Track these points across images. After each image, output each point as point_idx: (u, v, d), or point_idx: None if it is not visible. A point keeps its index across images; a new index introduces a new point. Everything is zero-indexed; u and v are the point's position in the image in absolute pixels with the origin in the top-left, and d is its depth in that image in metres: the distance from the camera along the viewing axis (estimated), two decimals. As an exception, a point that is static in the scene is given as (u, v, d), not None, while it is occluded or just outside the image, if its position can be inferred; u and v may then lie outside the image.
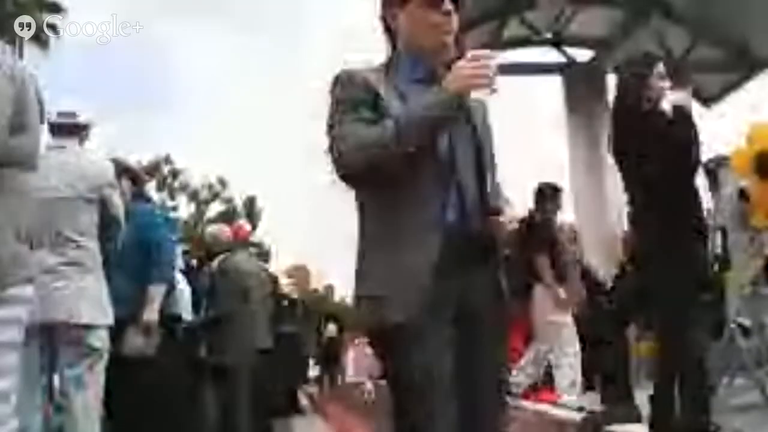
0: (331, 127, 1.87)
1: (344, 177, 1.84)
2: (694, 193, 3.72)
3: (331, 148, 1.85)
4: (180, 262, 5.75)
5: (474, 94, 1.79)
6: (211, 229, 6.59)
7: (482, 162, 1.95)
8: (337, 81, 1.92)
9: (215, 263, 5.87)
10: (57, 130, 3.53)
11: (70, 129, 3.54)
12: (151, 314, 3.98)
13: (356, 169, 1.81)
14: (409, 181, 1.82)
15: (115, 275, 3.66)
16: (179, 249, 5.89)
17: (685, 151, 3.59)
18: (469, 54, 1.77)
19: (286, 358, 7.35)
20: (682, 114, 3.62)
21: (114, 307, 3.48)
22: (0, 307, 2.29)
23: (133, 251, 3.96)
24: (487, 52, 1.78)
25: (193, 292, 5.66)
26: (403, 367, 1.83)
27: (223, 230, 6.38)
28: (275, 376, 6.19)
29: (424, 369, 1.81)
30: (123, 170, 4.23)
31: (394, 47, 2.01)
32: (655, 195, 3.63)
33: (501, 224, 1.94)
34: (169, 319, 4.29)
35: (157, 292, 4.04)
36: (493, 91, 1.76)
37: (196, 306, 5.68)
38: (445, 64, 1.90)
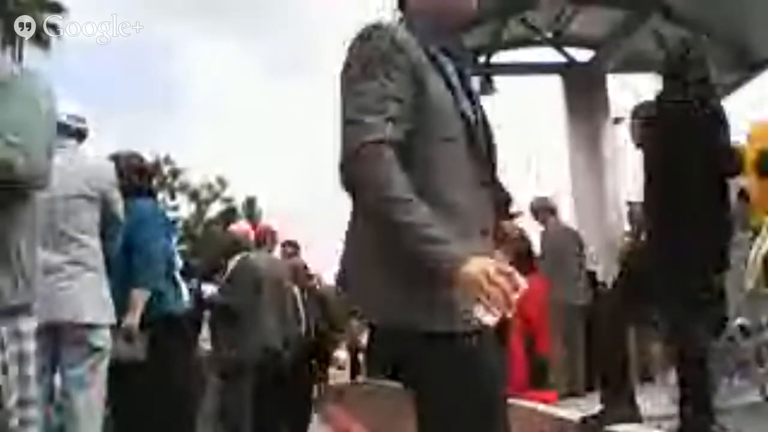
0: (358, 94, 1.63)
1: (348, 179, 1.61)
2: (724, 195, 3.72)
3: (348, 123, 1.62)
4: (179, 262, 5.75)
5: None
6: (232, 228, 6.54)
7: (495, 160, 1.84)
8: (376, 39, 1.67)
9: (233, 262, 5.88)
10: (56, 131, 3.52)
11: (69, 131, 3.54)
12: (132, 319, 3.93)
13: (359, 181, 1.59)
14: (452, 172, 1.68)
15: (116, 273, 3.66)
16: (175, 248, 5.89)
17: (723, 154, 3.60)
18: (505, 270, 1.50)
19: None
20: (723, 117, 3.64)
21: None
22: (31, 318, 2.31)
23: (120, 252, 3.93)
24: (520, 282, 1.51)
25: (190, 292, 5.66)
26: (477, 383, 1.62)
27: (242, 228, 6.39)
28: (284, 374, 6.12)
29: (494, 385, 1.68)
30: (127, 165, 4.23)
31: (402, 8, 1.87)
32: (692, 195, 3.61)
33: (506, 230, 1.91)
34: (164, 319, 4.26)
35: (139, 296, 3.99)
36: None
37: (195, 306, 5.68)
38: (461, 26, 1.83)
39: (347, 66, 1.68)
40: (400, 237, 1.53)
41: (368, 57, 1.66)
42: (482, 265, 1.48)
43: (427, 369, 1.62)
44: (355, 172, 1.57)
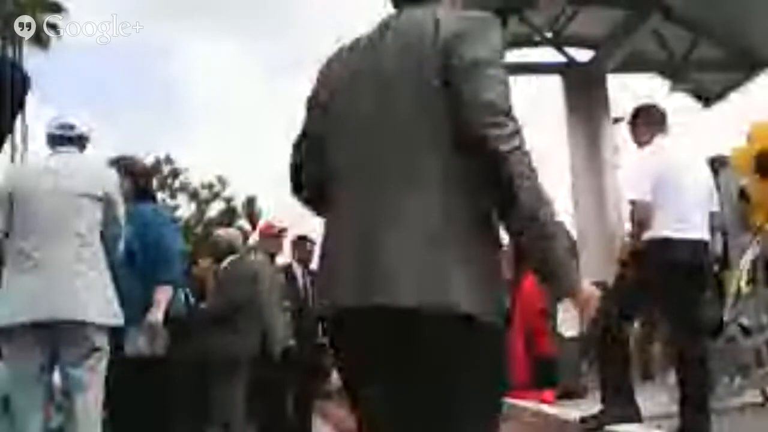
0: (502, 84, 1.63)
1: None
2: None
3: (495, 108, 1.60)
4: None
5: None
6: (225, 233, 6.42)
7: None
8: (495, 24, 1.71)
9: (223, 265, 5.78)
10: (57, 141, 3.53)
11: (71, 139, 3.55)
12: (157, 315, 3.93)
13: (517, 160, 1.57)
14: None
15: (124, 276, 3.65)
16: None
17: None
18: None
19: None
20: None
21: (123, 308, 3.48)
22: None
23: (141, 251, 3.95)
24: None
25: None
26: None
27: (231, 232, 6.29)
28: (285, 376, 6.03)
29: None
30: (126, 168, 4.22)
31: None
32: None
33: None
34: (164, 320, 4.26)
35: (164, 293, 3.99)
36: None
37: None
38: None
39: (481, 44, 1.65)
40: (550, 242, 1.60)
41: (500, 50, 1.68)
42: (591, 287, 1.69)
43: (469, 354, 1.62)
44: (520, 167, 1.57)
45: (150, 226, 4.10)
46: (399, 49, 1.70)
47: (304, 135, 1.89)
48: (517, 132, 1.60)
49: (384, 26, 1.79)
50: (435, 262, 1.58)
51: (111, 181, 3.56)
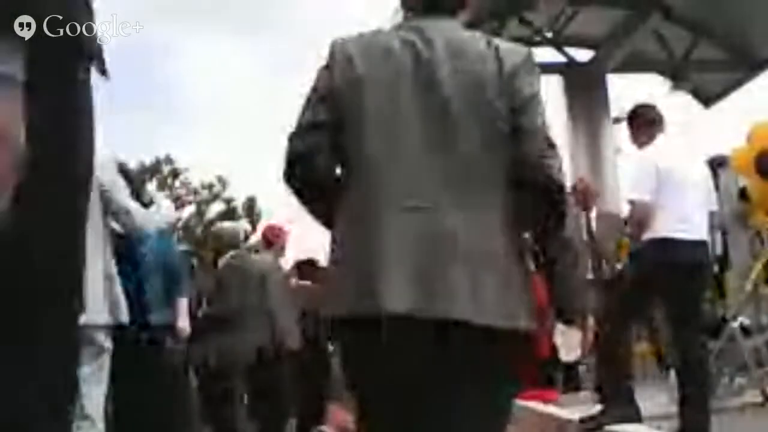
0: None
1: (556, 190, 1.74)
2: None
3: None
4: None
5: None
6: (228, 227, 6.39)
7: None
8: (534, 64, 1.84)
9: (223, 260, 5.73)
10: None
11: None
12: (186, 322, 4.32)
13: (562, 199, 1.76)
14: None
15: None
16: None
17: None
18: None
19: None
20: None
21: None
22: None
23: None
24: None
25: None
26: None
27: (243, 228, 6.29)
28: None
29: None
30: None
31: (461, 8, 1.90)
32: None
33: None
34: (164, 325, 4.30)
35: (183, 304, 4.41)
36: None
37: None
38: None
39: (534, 78, 1.80)
40: (574, 271, 1.73)
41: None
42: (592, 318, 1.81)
43: (506, 363, 1.74)
44: (565, 205, 1.76)
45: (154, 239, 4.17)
46: (455, 67, 1.74)
47: (315, 125, 1.78)
48: (560, 168, 1.78)
49: (419, 32, 1.79)
50: (500, 280, 1.66)
51: (107, 173, 3.47)
